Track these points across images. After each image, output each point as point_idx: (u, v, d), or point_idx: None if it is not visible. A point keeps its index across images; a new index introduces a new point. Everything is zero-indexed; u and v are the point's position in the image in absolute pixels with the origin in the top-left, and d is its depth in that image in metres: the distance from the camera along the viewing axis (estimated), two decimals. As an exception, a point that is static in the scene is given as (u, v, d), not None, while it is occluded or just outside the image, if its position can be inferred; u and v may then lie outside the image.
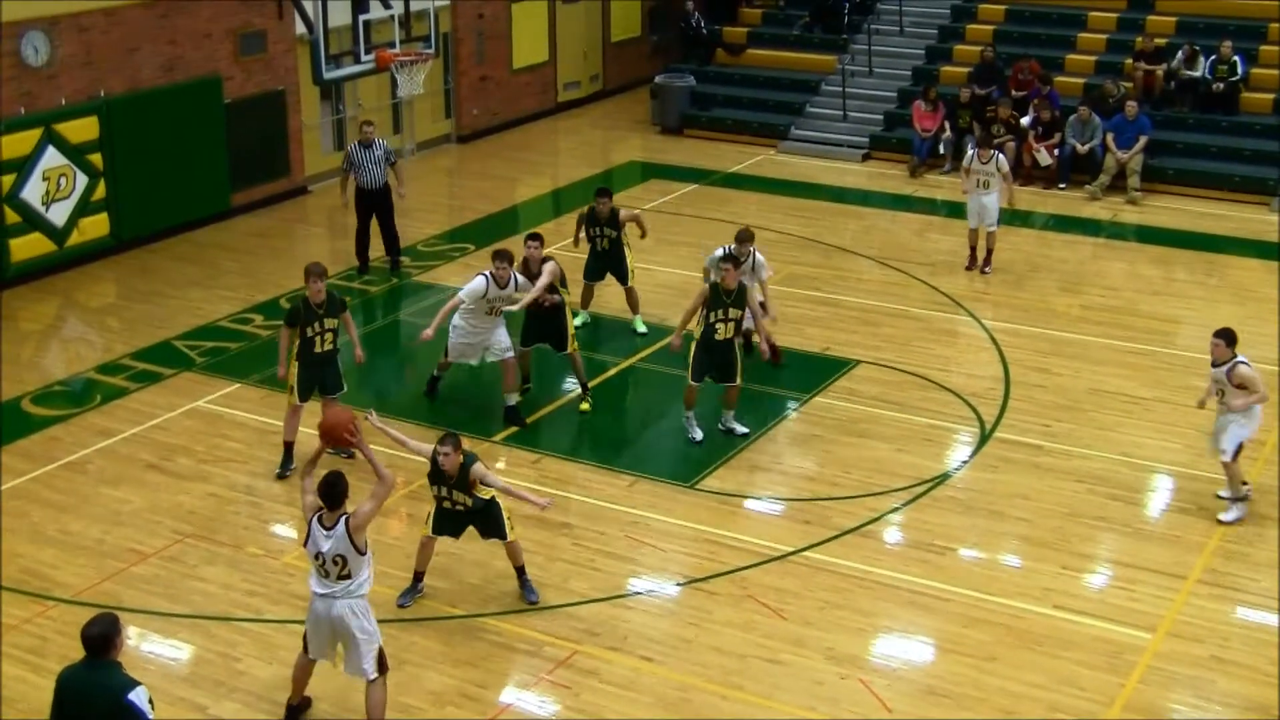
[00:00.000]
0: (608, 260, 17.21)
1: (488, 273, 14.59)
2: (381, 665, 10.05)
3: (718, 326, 14.12)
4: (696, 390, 14.50)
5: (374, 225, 19.45)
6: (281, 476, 14.03)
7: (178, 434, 15.00)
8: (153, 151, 20.43)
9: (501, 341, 14.84)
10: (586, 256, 17.38)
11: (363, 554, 9.86)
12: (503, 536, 11.64)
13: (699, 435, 14.58)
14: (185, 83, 20.91)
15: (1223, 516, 13.13)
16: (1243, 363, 12.93)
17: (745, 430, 14.76)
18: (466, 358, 15.10)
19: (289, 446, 14.13)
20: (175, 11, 20.66)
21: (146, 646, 11.36)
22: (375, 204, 19.26)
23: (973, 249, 19.55)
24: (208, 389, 16.02)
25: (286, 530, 13.25)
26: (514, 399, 15.09)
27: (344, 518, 9.81)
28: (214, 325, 17.88)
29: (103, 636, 8.09)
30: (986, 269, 19.41)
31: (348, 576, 9.84)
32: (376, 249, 19.59)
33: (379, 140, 19.15)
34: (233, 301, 18.64)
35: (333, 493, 9.83)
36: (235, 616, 11.76)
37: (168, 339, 17.43)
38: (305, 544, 9.97)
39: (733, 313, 14.12)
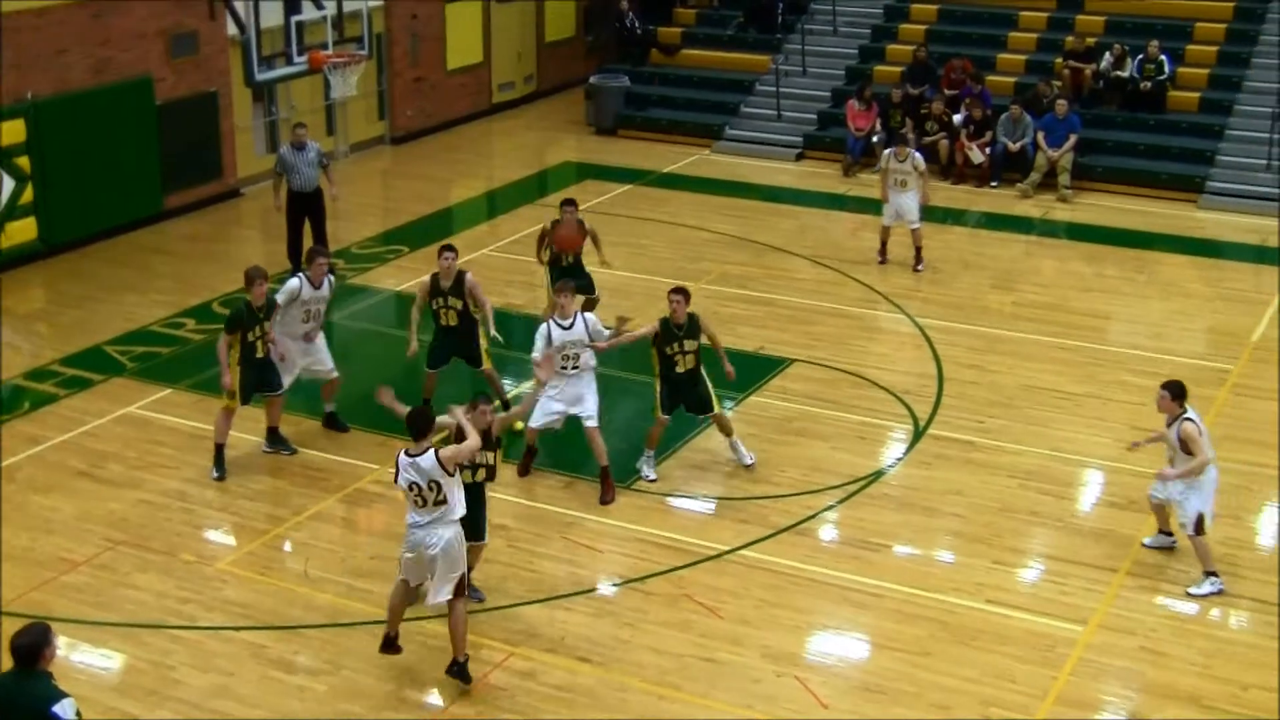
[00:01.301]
0: (573, 276, 16.37)
1: (302, 274, 14.41)
2: (459, 590, 10.52)
3: (676, 360, 13.70)
4: (664, 427, 13.98)
5: (305, 228, 19.32)
6: (218, 479, 13.93)
7: (109, 440, 14.85)
8: (82, 154, 20.23)
9: (325, 363, 14.64)
10: (548, 276, 16.66)
11: (452, 475, 10.38)
12: (481, 535, 11.54)
13: (653, 475, 14.01)
14: (116, 84, 20.71)
15: (1193, 589, 12.09)
16: (1189, 419, 11.91)
17: (752, 460, 14.26)
18: (288, 375, 14.44)
19: (220, 449, 14.03)
20: (105, 12, 20.45)
21: (77, 656, 11.22)
22: (308, 207, 19.14)
23: (884, 244, 19.78)
24: (139, 394, 15.87)
25: (220, 536, 13.16)
26: (332, 406, 14.93)
27: (432, 449, 10.31)
28: (146, 330, 17.72)
29: (31, 647, 8.01)
30: (919, 267, 19.56)
31: (444, 501, 10.36)
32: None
33: (311, 143, 19.03)
34: (165, 306, 18.48)
35: (420, 424, 10.48)
36: (168, 624, 11.65)
37: (98, 344, 17.25)
38: (396, 480, 10.47)
39: (688, 344, 13.65)
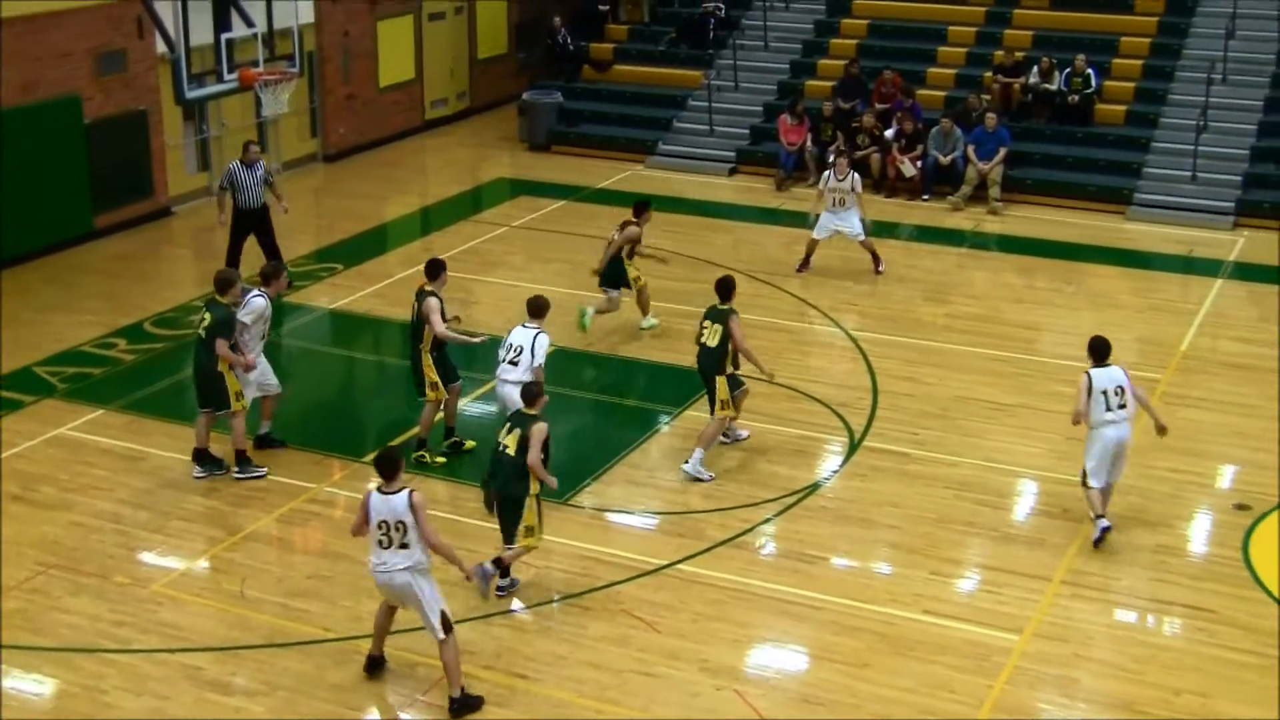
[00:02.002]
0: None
1: (263, 291, 14.40)
2: (446, 626, 10.59)
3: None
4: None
5: (248, 245, 19.25)
6: (263, 475, 14.25)
7: (40, 463, 14.67)
8: (10, 173, 19.98)
9: (272, 378, 14.67)
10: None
11: (418, 522, 10.46)
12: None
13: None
14: (43, 102, 20.50)
15: (1094, 536, 12.99)
16: (1086, 372, 12.90)
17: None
18: (249, 396, 14.46)
19: (243, 454, 14.28)
20: (32, 30, 20.23)
21: (9, 682, 11.07)
22: (254, 223, 19.19)
23: (808, 255, 20.17)
24: (71, 416, 15.68)
25: (155, 558, 13.01)
26: (269, 426, 14.93)
27: (409, 491, 10.45)
28: (77, 350, 17.52)
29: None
30: (880, 269, 20.02)
31: (407, 545, 10.43)
32: (248, 267, 19.31)
33: (260, 162, 19.15)
34: (96, 326, 18.29)
35: (389, 465, 10.58)
36: (102, 648, 11.52)
37: (28, 365, 17.03)
38: (366, 515, 10.53)
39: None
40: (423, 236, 22.44)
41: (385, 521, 10.39)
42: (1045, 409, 15.79)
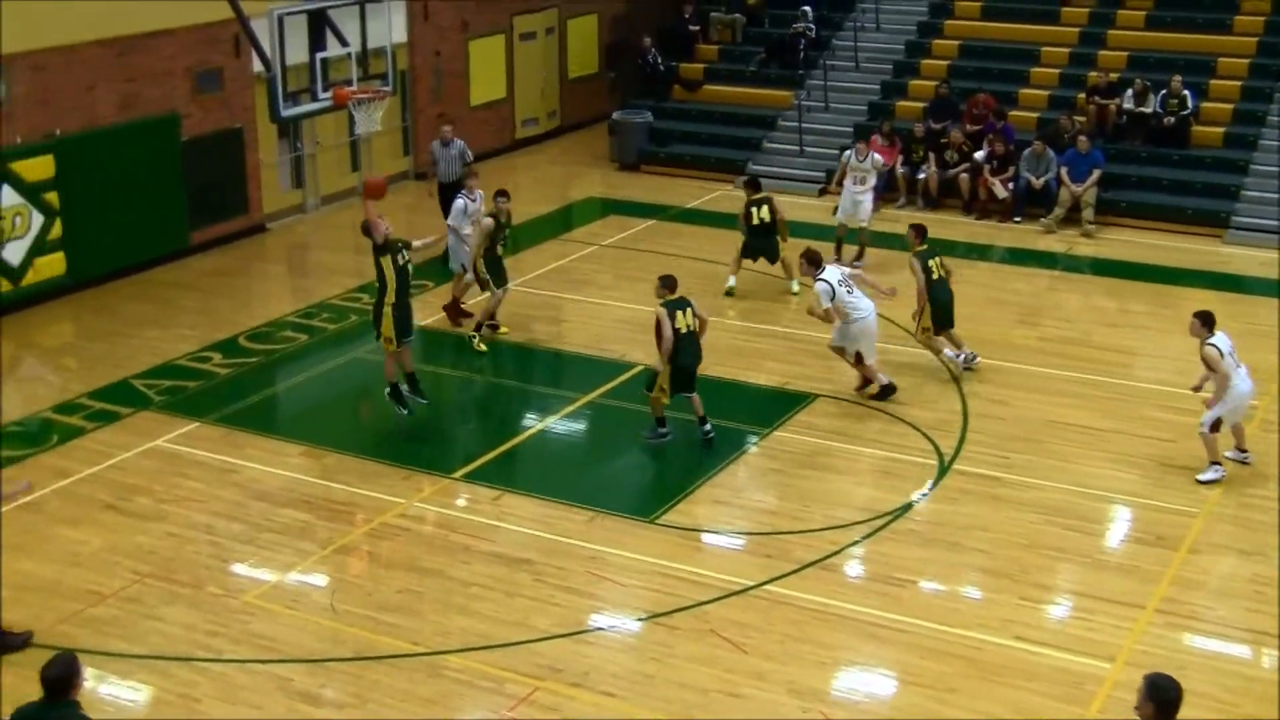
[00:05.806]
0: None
1: None
2: None
3: None
4: None
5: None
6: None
7: (135, 474, 14.90)
8: (109, 190, 20.35)
9: None
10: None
11: None
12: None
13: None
14: (142, 120, 20.88)
15: (1200, 476, 14.46)
16: (1209, 344, 14.22)
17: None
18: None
19: (396, 388, 15.71)
20: (132, 49, 20.63)
21: (105, 688, 11.24)
22: (452, 194, 20.90)
23: (839, 241, 21.30)
24: (166, 428, 15.93)
25: (246, 569, 13.16)
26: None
27: None
28: (172, 364, 17.79)
29: (62, 678, 8.12)
30: (859, 263, 20.79)
31: None
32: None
33: (455, 140, 22.03)
34: (190, 340, 18.57)
35: None
36: (195, 657, 11.68)
37: (125, 378, 17.33)
38: None
39: None
40: (513, 255, 22.51)
41: None
42: (1138, 434, 15.58)
